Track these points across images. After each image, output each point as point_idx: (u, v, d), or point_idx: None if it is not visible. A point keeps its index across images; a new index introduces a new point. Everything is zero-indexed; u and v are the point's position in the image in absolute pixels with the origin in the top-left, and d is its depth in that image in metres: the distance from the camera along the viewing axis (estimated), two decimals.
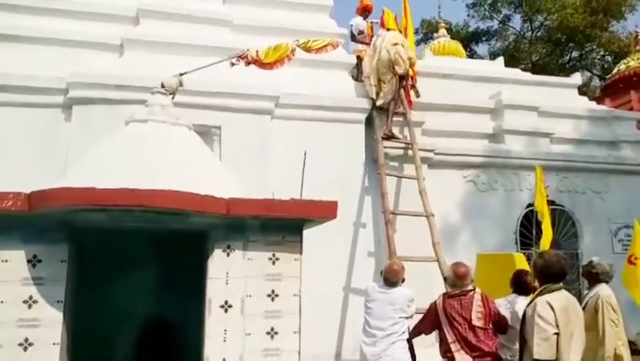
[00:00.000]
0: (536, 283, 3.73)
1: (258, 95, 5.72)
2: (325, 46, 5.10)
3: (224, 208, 2.98)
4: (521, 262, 4.91)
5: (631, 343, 6.37)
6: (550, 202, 7.07)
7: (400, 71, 6.33)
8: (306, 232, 3.92)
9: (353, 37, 7.27)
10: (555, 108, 7.80)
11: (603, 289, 4.33)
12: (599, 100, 11.23)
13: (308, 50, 5.05)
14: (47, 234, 2.96)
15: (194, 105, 5.24)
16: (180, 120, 3.80)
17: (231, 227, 3.20)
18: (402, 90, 6.56)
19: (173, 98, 4.10)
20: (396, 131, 6.49)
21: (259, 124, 5.70)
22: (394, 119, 6.49)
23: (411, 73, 6.88)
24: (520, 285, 4.26)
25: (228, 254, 3.19)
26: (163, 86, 4.02)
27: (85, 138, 5.09)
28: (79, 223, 3.09)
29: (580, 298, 4.46)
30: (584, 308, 4.02)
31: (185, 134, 3.74)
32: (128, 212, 2.79)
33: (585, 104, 8.45)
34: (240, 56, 4.81)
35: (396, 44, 6.38)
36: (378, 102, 6.33)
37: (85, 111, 5.39)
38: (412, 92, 7.00)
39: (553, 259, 3.55)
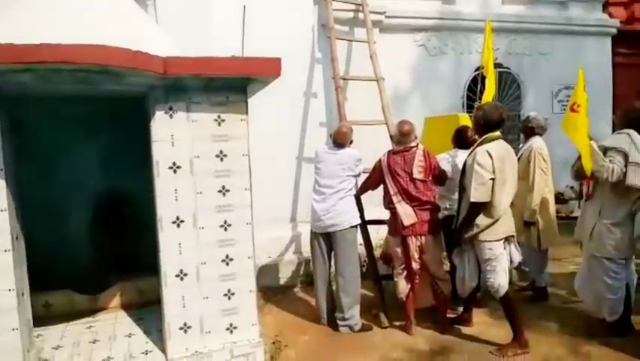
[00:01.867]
0: (476, 137, 3.93)
1: None
2: None
3: (160, 67, 2.83)
4: (465, 121, 5.10)
5: (559, 193, 7.05)
6: (498, 65, 7.17)
7: None
8: (256, 104, 3.85)
9: None
10: None
11: (536, 142, 4.63)
12: None
13: None
14: None
15: None
16: None
17: (172, 88, 3.08)
18: None
19: None
20: None
21: None
22: None
23: None
24: (460, 139, 4.49)
25: (171, 116, 3.11)
26: None
27: None
28: (9, 91, 2.90)
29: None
30: (518, 159, 4.32)
31: None
32: (56, 71, 2.60)
33: None
34: None
35: None
36: None
37: None
38: None
39: (492, 109, 3.71)
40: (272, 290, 5.26)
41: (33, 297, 3.33)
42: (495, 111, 3.70)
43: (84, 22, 2.99)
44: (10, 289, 2.80)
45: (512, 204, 3.79)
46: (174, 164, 3.16)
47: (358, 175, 4.32)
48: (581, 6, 7.90)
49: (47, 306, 3.85)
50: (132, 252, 4.16)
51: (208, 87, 3.19)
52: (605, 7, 8.29)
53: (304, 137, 5.95)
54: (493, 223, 3.64)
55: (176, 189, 3.16)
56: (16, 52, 2.42)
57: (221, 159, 3.27)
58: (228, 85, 3.23)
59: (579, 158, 3.88)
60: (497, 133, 3.72)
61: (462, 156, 4.23)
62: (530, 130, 4.72)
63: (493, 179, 3.59)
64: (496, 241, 3.66)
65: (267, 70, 3.13)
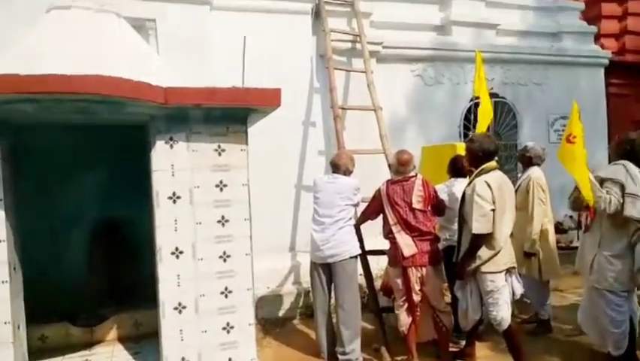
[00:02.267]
0: (472, 168, 3.92)
1: None
2: None
3: (161, 97, 2.85)
4: (462, 150, 5.11)
5: (558, 223, 7.03)
6: (494, 95, 7.26)
7: None
8: (256, 133, 3.85)
9: None
10: None
11: (535, 172, 4.64)
12: None
13: None
14: None
15: None
16: (106, 7, 3.48)
17: (172, 118, 3.09)
18: None
19: None
20: (343, 22, 6.29)
21: (197, 15, 5.30)
22: (341, 9, 6.27)
23: None
24: (456, 169, 4.50)
25: (172, 146, 3.12)
26: None
27: (5, 28, 4.61)
28: (10, 120, 2.90)
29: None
30: (517, 190, 4.32)
31: (114, 21, 3.45)
32: (59, 101, 2.61)
33: None
34: None
35: None
36: None
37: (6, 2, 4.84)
38: None
39: (485, 139, 3.76)
40: (271, 322, 5.16)
41: (29, 329, 3.26)
42: (489, 141, 3.74)
43: (86, 53, 3.02)
44: (5, 322, 2.74)
45: (512, 235, 3.76)
46: (174, 194, 3.15)
47: (357, 204, 4.30)
48: (574, 37, 8.06)
49: (43, 339, 3.76)
50: (128, 281, 4.08)
51: (208, 117, 3.20)
52: (597, 38, 8.46)
53: (303, 166, 5.95)
54: (495, 255, 3.60)
55: (175, 220, 3.14)
56: (23, 82, 2.43)
57: (221, 189, 3.26)
58: (229, 115, 3.24)
59: (576, 188, 3.86)
60: (494, 163, 3.73)
61: (459, 185, 4.23)
62: (528, 160, 4.74)
63: (493, 210, 3.58)
64: (498, 272, 3.62)
65: (267, 100, 3.15)
